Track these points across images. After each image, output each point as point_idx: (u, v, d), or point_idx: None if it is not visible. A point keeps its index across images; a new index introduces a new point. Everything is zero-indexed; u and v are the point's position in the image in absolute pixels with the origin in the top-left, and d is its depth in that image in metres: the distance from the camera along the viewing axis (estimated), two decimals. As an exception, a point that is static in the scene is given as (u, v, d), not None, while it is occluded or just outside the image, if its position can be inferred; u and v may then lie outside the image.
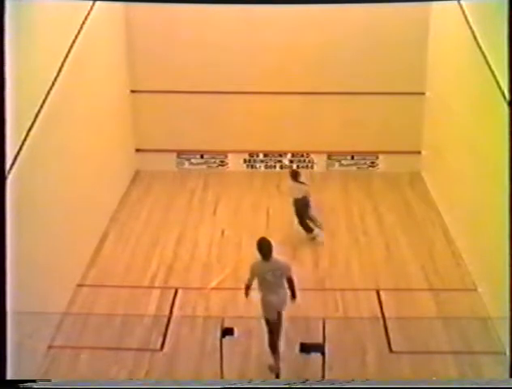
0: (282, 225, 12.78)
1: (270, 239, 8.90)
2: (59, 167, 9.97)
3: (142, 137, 15.14)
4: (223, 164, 15.49)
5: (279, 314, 8.87)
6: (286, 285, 8.80)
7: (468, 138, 11.27)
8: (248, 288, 8.86)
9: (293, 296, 8.84)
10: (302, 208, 12.27)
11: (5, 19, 7.45)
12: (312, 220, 12.33)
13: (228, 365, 8.46)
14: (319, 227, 12.32)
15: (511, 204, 7.81)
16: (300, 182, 12.28)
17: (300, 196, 12.21)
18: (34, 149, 8.74)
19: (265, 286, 8.77)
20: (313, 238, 12.29)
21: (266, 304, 8.82)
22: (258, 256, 8.77)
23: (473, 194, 10.88)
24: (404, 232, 12.58)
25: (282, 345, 8.97)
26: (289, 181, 12.35)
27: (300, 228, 12.33)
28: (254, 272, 8.81)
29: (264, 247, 8.74)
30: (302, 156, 15.45)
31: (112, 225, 12.80)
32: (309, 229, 12.33)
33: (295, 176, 12.29)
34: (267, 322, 8.88)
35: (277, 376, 8.75)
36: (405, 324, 9.80)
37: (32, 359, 8.64)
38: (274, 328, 8.85)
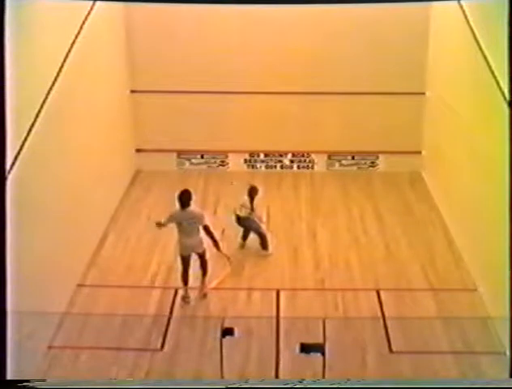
0: (282, 225, 12.79)
1: (191, 191, 10.41)
2: (59, 167, 9.97)
3: (142, 137, 15.14)
4: (223, 164, 15.49)
5: (202, 255, 10.54)
6: (201, 232, 10.34)
7: (468, 139, 11.27)
8: (160, 225, 10.38)
9: (215, 246, 10.54)
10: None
11: (5, 19, 7.45)
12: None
13: (228, 365, 8.46)
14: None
15: (511, 204, 7.82)
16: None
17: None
18: (34, 149, 8.74)
19: (181, 231, 10.35)
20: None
21: (181, 245, 10.47)
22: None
23: (473, 194, 10.88)
24: (404, 232, 12.57)
25: (281, 345, 8.99)
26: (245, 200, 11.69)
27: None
28: (172, 218, 10.35)
29: (183, 197, 10.26)
30: (302, 155, 15.45)
31: (112, 225, 12.80)
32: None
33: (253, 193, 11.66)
34: (182, 258, 10.52)
35: (186, 302, 10.46)
36: (405, 324, 9.80)
37: (32, 359, 8.64)
38: (186, 264, 10.51)
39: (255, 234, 11.92)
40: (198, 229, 10.37)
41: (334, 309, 10.27)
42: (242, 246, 12.05)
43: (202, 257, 10.62)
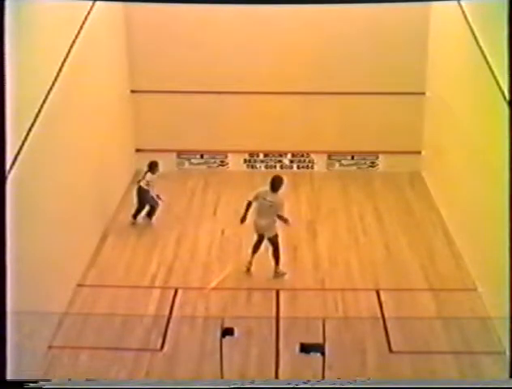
0: (282, 225, 12.76)
1: (283, 178, 11.08)
2: (59, 167, 9.97)
3: (142, 137, 15.14)
4: (223, 164, 15.49)
5: (273, 240, 11.07)
6: (275, 218, 10.91)
7: (468, 138, 11.27)
8: (249, 204, 11.01)
9: (285, 222, 10.96)
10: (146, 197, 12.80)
11: (5, 19, 7.45)
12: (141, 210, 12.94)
13: (228, 365, 8.46)
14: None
15: (511, 204, 7.82)
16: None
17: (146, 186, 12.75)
18: (34, 149, 8.74)
19: (259, 210, 10.97)
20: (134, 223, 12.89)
21: (255, 224, 11.12)
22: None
23: (473, 194, 10.89)
24: (404, 233, 12.58)
25: (281, 345, 8.99)
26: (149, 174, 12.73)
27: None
28: (258, 195, 10.96)
29: (275, 181, 10.92)
30: (302, 155, 15.46)
31: (112, 225, 12.80)
32: (135, 216, 12.91)
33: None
34: (257, 235, 11.17)
35: (248, 270, 11.15)
36: (405, 324, 9.80)
37: (32, 359, 8.64)
38: (260, 240, 11.17)
39: (148, 206, 12.82)
40: (274, 214, 10.90)
41: (334, 309, 10.28)
42: (133, 223, 12.88)
43: (273, 242, 11.09)
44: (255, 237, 11.26)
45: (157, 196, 12.80)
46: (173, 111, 15.01)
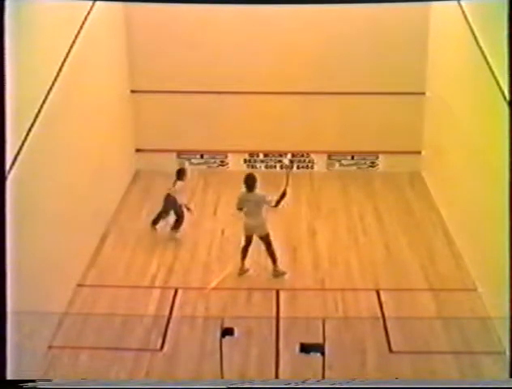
0: (282, 225, 12.78)
1: (255, 175, 11.02)
2: (59, 167, 9.97)
3: (142, 137, 15.14)
4: (223, 164, 15.49)
5: (265, 238, 11.03)
6: (264, 214, 10.95)
7: (468, 138, 11.27)
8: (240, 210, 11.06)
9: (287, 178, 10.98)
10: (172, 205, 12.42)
11: (5, 19, 7.46)
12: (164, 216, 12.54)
13: (228, 365, 8.46)
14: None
15: (511, 203, 7.82)
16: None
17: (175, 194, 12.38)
18: (34, 149, 8.74)
19: (246, 212, 10.98)
20: (155, 229, 12.55)
21: (244, 225, 11.10)
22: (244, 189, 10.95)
23: (473, 194, 10.88)
24: (404, 233, 12.57)
25: (281, 345, 8.99)
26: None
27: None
28: (241, 201, 10.95)
29: (249, 181, 10.88)
30: (302, 155, 15.45)
31: (112, 225, 12.80)
32: (156, 222, 12.56)
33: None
34: (245, 237, 11.15)
35: (240, 273, 11.12)
36: (405, 324, 9.80)
37: (32, 359, 8.64)
38: (248, 242, 11.15)
39: (174, 214, 12.39)
40: (261, 212, 10.92)
41: (334, 309, 10.28)
42: (153, 229, 12.55)
43: (265, 241, 11.04)
44: (242, 242, 11.18)
45: (186, 206, 12.46)
46: (173, 111, 15.01)
